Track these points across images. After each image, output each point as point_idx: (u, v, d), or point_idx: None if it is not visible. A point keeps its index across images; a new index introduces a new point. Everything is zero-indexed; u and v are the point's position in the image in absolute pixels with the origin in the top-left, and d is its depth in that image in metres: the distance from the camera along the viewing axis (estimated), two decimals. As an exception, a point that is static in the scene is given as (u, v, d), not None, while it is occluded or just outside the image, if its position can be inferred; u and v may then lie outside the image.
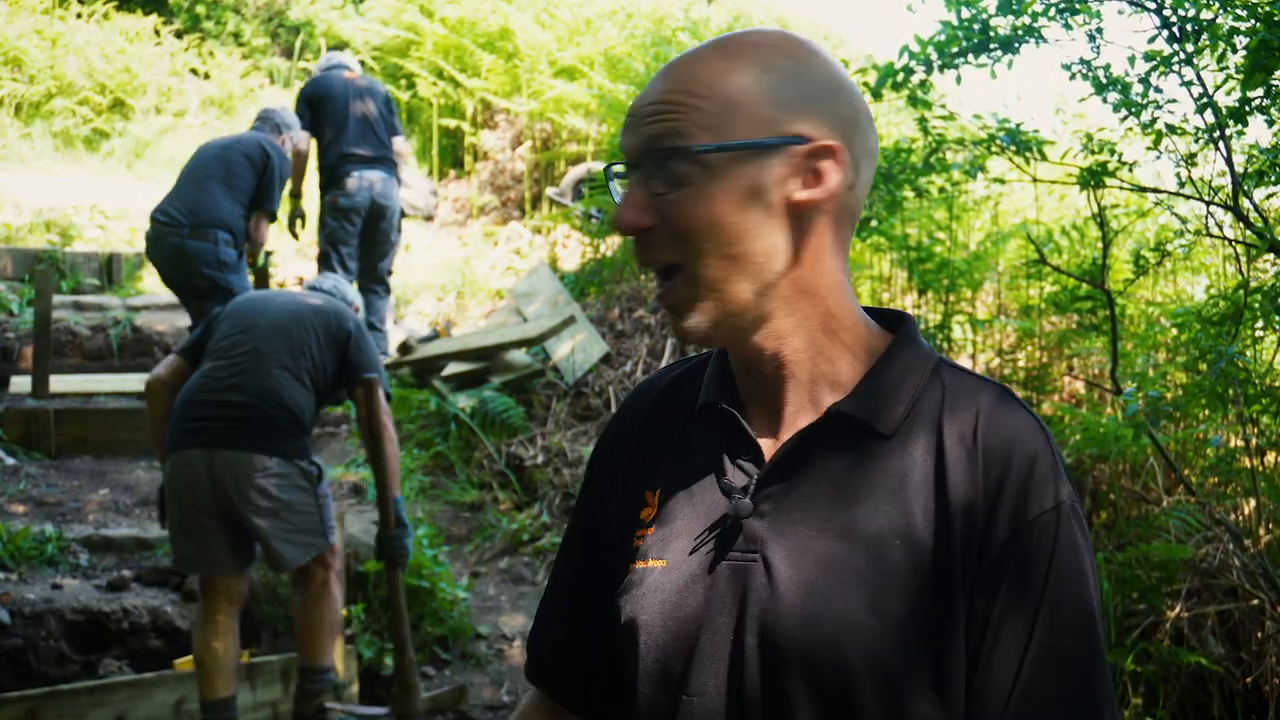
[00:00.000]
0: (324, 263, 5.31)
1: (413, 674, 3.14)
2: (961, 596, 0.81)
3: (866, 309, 0.94)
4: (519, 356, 5.18)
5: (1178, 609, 3.06)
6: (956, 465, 0.83)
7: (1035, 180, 3.37)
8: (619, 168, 0.89)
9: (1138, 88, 2.96)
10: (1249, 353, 3.22)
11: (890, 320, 0.94)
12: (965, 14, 3.04)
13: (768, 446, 0.89)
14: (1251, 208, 2.89)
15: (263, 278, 4.80)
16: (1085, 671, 0.81)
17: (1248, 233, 2.89)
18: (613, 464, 0.99)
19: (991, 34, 3.04)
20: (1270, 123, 2.89)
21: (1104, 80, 2.99)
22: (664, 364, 4.58)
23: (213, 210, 4.36)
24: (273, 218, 4.64)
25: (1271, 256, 3.17)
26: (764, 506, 0.86)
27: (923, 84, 3.21)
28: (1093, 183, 3.06)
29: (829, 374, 0.88)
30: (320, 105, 5.24)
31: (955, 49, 3.09)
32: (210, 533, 2.89)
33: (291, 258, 6.79)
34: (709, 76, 0.85)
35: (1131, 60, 2.95)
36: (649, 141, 0.85)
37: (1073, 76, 3.06)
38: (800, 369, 0.88)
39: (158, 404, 3.05)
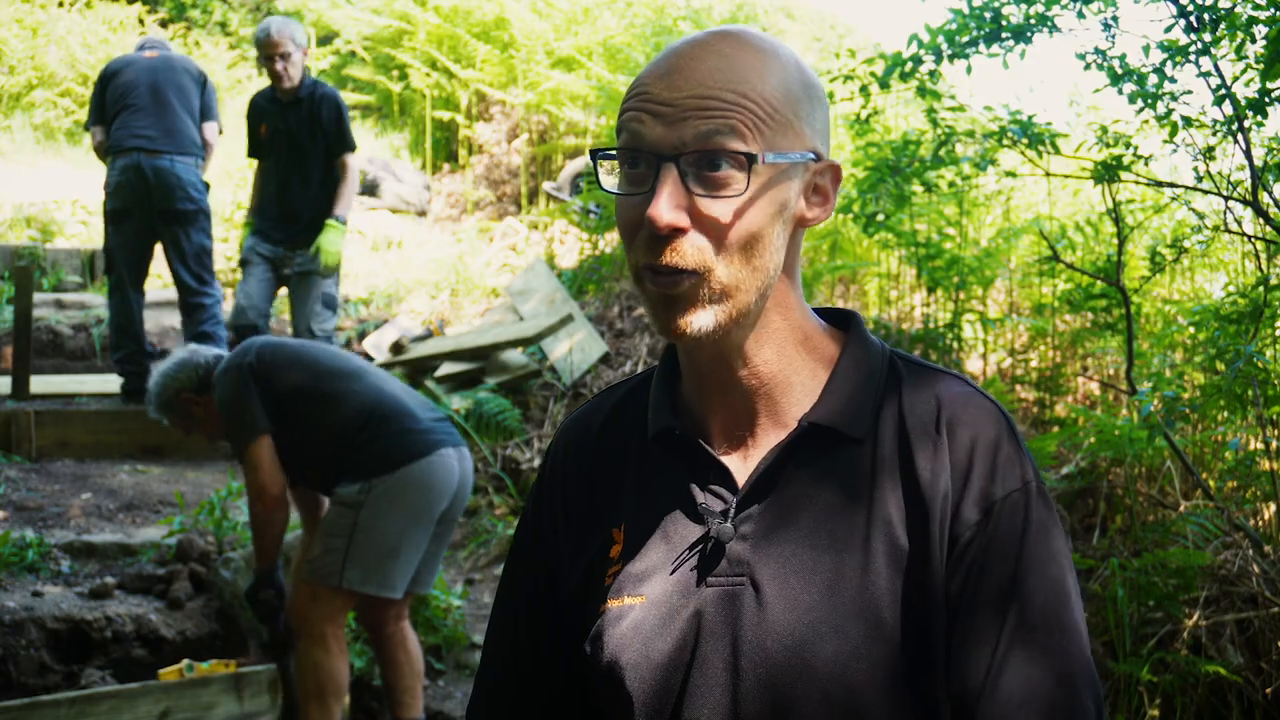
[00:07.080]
0: None
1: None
2: (939, 586, 0.80)
3: (814, 309, 0.93)
4: (515, 356, 5.08)
5: (1195, 617, 2.99)
6: (923, 455, 0.83)
7: (1048, 174, 3.32)
8: (612, 153, 0.84)
9: (1153, 79, 2.89)
10: (1269, 352, 3.16)
11: (837, 319, 0.92)
12: (977, 1, 2.97)
13: (735, 466, 0.87)
14: (1271, 202, 2.83)
15: None
16: (1062, 651, 0.80)
17: (1267, 228, 2.84)
18: (557, 510, 0.94)
19: (1003, 22, 2.99)
20: (1291, 115, 2.82)
21: (1119, 71, 2.93)
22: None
23: (188, 134, 4.51)
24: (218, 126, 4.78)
25: (1292, 253, 3.09)
26: (745, 529, 0.84)
27: (932, 74, 3.15)
28: (1107, 177, 3.02)
29: (795, 384, 0.88)
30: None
31: (966, 38, 3.03)
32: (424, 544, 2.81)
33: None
34: (752, 77, 0.81)
35: (1147, 50, 2.89)
36: (701, 138, 0.80)
37: (1087, 67, 2.99)
38: (771, 381, 0.87)
39: (286, 515, 2.73)
